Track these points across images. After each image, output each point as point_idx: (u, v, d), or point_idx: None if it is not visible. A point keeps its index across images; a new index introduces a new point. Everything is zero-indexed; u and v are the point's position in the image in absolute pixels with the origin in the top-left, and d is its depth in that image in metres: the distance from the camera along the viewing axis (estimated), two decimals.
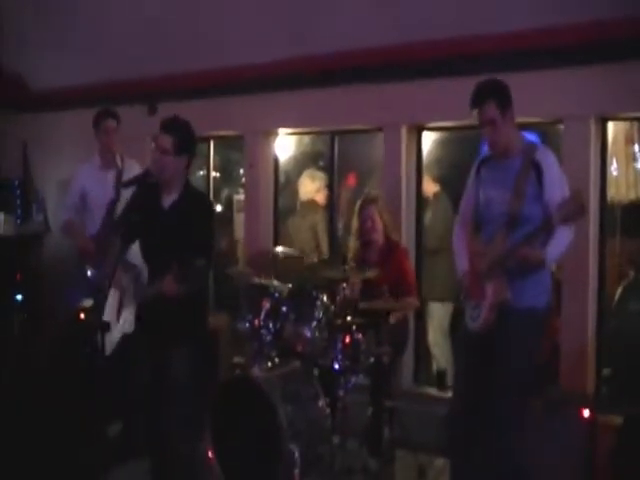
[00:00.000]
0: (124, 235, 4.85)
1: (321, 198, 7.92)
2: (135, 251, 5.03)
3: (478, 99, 4.41)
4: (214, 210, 5.11)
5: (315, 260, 7.41)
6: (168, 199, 4.76)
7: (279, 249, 6.43)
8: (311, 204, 7.95)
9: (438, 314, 7.25)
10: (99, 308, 6.34)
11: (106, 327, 4.61)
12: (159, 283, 4.55)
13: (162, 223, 4.74)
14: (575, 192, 4.07)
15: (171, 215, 4.74)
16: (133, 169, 6.13)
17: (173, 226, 4.68)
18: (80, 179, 6.47)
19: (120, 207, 5.83)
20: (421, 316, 6.95)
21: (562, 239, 4.28)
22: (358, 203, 6.14)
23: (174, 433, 4.67)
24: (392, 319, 5.64)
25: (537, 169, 4.34)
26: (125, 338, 5.48)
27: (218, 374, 5.94)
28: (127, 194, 5.14)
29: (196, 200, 4.81)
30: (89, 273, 6.02)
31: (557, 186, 4.31)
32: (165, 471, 4.77)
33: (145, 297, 4.78)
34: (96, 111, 6.43)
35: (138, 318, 4.90)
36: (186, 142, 4.73)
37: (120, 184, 5.98)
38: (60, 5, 8.86)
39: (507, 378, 4.37)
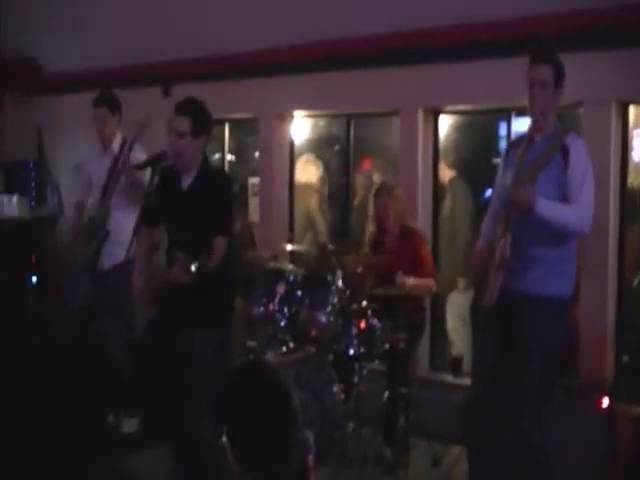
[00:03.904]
0: (145, 218, 4.86)
1: (317, 181, 7.99)
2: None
3: (539, 57, 4.38)
4: (231, 188, 5.01)
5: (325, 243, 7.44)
6: (187, 180, 4.76)
7: (289, 247, 6.40)
8: (307, 187, 7.96)
9: (457, 300, 7.20)
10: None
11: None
12: (167, 272, 4.60)
13: (181, 204, 4.74)
14: None
15: (189, 196, 4.73)
16: (136, 153, 6.02)
17: (191, 207, 4.68)
18: (87, 163, 6.56)
19: (112, 193, 6.05)
20: (438, 302, 6.89)
21: (569, 208, 4.25)
22: (373, 190, 6.07)
23: (195, 418, 4.65)
24: (411, 281, 5.52)
25: (564, 153, 4.29)
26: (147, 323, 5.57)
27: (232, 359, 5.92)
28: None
29: (212, 179, 4.77)
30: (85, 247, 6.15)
31: (579, 171, 4.27)
32: (186, 456, 4.74)
33: (159, 284, 4.76)
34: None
35: (159, 301, 4.88)
36: (203, 123, 4.69)
37: (114, 169, 6.08)
38: None
39: (530, 368, 4.32)
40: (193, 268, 4.37)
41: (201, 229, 4.58)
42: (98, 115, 6.25)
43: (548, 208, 4.21)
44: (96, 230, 6.06)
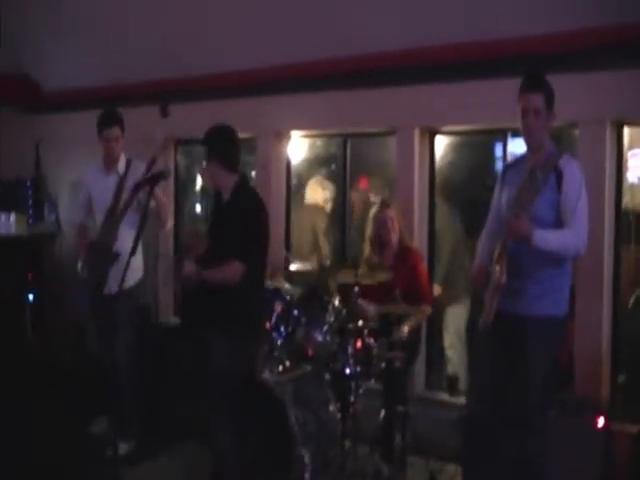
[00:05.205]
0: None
1: (326, 204, 8.02)
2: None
3: (529, 86, 4.46)
4: (251, 211, 5.03)
5: (325, 263, 7.45)
6: (224, 199, 5.09)
7: (292, 266, 6.40)
8: (315, 207, 8.00)
9: (454, 317, 7.21)
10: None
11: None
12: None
13: (216, 221, 5.18)
14: None
15: (223, 214, 5.08)
16: (138, 171, 5.93)
17: (223, 225, 5.02)
18: (86, 181, 6.43)
19: (122, 214, 5.95)
20: (434, 321, 6.90)
21: (564, 235, 4.32)
22: (375, 207, 6.11)
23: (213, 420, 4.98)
24: (405, 329, 5.59)
25: (558, 175, 4.34)
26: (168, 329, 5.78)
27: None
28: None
29: (238, 201, 5.02)
30: (79, 268, 6.07)
31: (573, 193, 4.35)
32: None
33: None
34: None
35: (182, 308, 5.24)
36: (212, 149, 5.09)
37: (121, 189, 6.04)
38: (73, 7, 8.86)
39: (532, 387, 4.36)
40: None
41: (221, 248, 4.90)
42: (111, 135, 6.13)
43: (544, 239, 4.27)
44: (103, 252, 5.89)
